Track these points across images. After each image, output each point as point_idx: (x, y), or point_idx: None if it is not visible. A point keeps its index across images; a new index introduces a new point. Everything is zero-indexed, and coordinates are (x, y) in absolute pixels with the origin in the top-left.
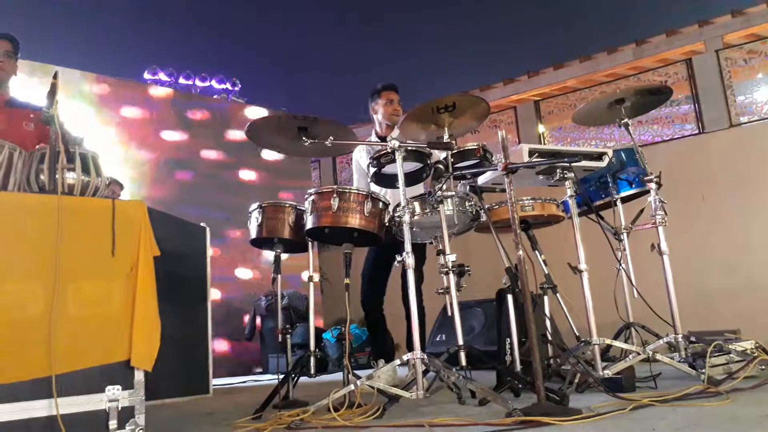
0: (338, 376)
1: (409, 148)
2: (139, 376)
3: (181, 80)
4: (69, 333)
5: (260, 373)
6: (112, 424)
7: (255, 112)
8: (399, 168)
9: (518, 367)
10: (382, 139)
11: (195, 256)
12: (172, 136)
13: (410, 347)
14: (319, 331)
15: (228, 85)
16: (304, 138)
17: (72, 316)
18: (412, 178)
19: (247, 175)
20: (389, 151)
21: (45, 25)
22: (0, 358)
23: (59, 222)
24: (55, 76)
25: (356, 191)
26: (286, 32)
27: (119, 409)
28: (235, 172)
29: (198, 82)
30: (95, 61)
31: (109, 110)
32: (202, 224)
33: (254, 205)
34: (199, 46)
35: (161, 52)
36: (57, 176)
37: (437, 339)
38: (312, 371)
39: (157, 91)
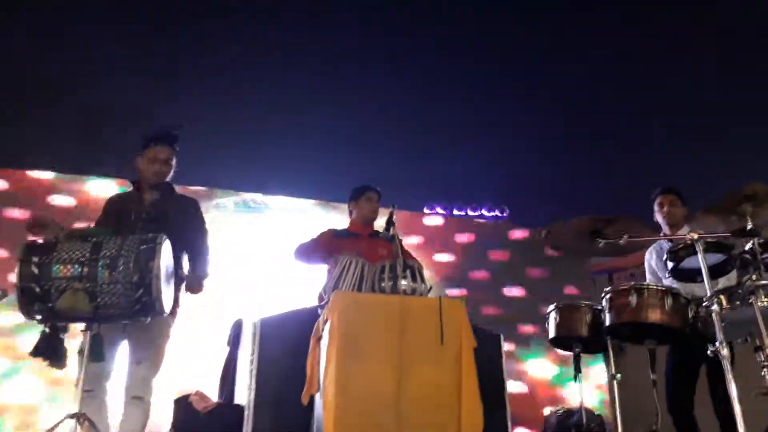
0: None
1: (709, 239)
2: None
3: (455, 212)
4: (412, 408)
5: None
6: None
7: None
8: (701, 260)
9: None
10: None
11: (490, 360)
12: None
13: None
14: None
15: (497, 212)
16: (598, 239)
17: (413, 395)
18: (713, 272)
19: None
20: (689, 243)
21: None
22: (363, 425)
23: (401, 317)
24: (392, 210)
25: (655, 287)
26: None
27: None
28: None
29: (470, 212)
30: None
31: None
32: (495, 332)
33: (551, 306)
34: (469, 178)
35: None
36: (398, 282)
37: None
38: None
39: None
